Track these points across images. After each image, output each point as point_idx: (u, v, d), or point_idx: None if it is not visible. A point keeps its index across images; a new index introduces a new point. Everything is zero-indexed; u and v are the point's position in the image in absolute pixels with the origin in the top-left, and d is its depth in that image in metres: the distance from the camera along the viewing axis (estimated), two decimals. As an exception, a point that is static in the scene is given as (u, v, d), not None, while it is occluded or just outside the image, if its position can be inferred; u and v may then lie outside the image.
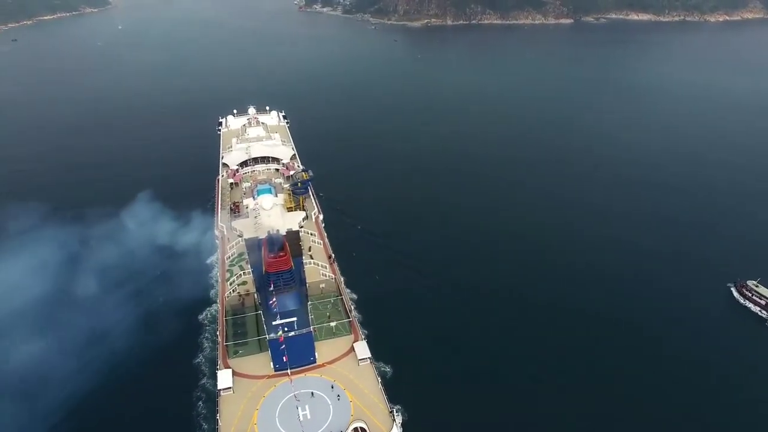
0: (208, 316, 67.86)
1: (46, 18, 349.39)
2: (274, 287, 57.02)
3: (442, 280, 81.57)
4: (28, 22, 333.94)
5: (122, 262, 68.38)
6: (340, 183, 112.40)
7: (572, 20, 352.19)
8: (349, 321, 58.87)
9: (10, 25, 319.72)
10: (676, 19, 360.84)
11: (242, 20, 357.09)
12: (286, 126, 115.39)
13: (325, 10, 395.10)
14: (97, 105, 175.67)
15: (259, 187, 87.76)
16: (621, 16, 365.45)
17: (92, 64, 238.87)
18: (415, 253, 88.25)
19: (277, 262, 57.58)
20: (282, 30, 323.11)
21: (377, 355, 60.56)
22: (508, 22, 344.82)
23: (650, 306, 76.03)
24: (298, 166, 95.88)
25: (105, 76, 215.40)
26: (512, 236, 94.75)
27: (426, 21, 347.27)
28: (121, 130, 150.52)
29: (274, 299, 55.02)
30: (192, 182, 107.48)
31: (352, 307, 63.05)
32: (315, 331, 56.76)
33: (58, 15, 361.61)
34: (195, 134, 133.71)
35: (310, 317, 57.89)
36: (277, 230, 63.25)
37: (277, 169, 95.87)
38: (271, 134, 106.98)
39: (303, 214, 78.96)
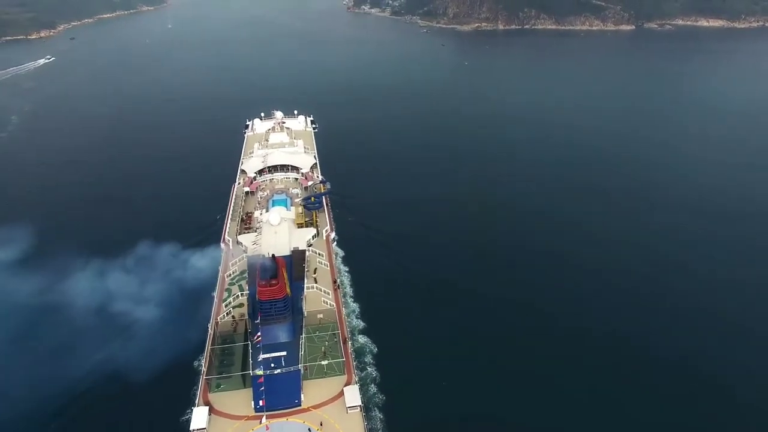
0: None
1: (105, 16, 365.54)
2: (262, 318, 52.16)
3: (487, 344, 66.81)
4: (90, 21, 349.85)
5: (108, 290, 62.41)
6: (367, 197, 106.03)
7: (633, 27, 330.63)
8: (344, 360, 53.05)
9: (72, 23, 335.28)
10: (755, 25, 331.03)
11: (290, 19, 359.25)
12: (312, 132, 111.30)
13: (373, 11, 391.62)
14: (132, 104, 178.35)
15: (275, 197, 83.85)
16: (689, 23, 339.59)
17: (137, 62, 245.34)
18: (454, 295, 75.69)
19: (270, 291, 52.74)
20: (328, 31, 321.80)
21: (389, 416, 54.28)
22: (563, 27, 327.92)
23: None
24: (318, 177, 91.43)
25: (146, 75, 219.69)
26: (590, 278, 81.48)
27: (476, 25, 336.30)
28: (149, 131, 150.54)
29: (259, 334, 50.05)
30: (212, 190, 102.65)
31: (350, 344, 57.04)
32: (306, 369, 51.61)
33: (117, 13, 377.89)
34: (225, 136, 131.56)
35: (301, 353, 52.63)
36: (272, 255, 58.16)
37: (296, 179, 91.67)
38: (295, 141, 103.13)
39: (313, 231, 73.85)
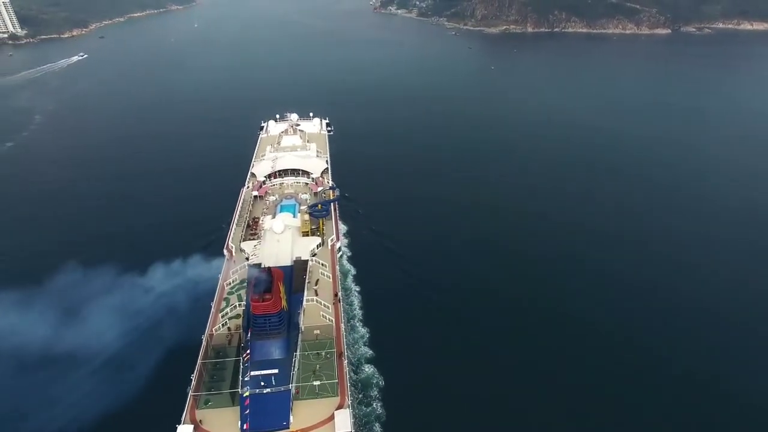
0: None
1: (136, 15, 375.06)
2: (255, 333, 49.83)
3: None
4: (120, 20, 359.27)
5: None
6: (383, 205, 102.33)
7: (669, 31, 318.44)
8: (338, 381, 50.16)
9: (104, 22, 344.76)
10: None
11: (316, 20, 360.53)
12: (327, 135, 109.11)
13: (399, 12, 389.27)
14: (151, 104, 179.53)
15: (284, 202, 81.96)
16: (731, 26, 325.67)
17: (160, 61, 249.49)
18: (474, 319, 69.43)
19: (263, 306, 50.30)
20: (353, 32, 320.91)
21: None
22: (594, 31, 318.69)
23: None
24: (328, 182, 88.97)
25: (167, 75, 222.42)
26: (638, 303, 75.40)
27: (504, 27, 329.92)
28: (166, 132, 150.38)
29: (248, 352, 47.73)
30: (224, 194, 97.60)
31: (347, 365, 53.97)
32: (297, 392, 48.97)
33: (147, 12, 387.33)
34: (241, 137, 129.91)
35: (293, 371, 50.07)
36: (267, 267, 55.63)
37: (306, 184, 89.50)
38: (308, 144, 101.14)
39: (318, 240, 71.17)
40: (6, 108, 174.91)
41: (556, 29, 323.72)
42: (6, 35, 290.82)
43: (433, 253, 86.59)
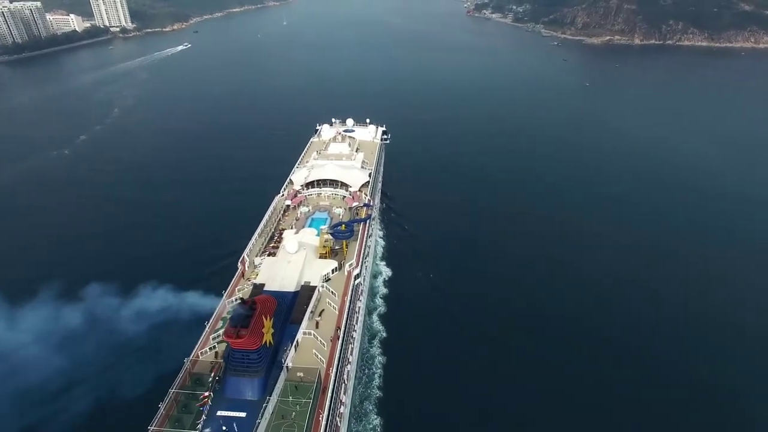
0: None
1: (234, 10, 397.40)
2: (228, 368, 44.52)
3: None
4: (219, 14, 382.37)
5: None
6: (434, 231, 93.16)
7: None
8: (309, 440, 42.96)
9: (204, 16, 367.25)
10: None
11: (405, 22, 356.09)
12: (379, 144, 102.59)
13: (494, 16, 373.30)
14: (224, 101, 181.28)
15: (316, 215, 76.39)
16: None
17: (243, 57, 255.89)
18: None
19: (238, 342, 44.69)
20: (441, 35, 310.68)
21: None
22: (717, 44, 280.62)
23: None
24: (366, 197, 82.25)
25: (247, 71, 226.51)
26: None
27: (608, 38, 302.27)
28: (230, 131, 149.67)
29: (206, 394, 42.26)
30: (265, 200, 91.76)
31: (327, 418, 46.56)
32: (264, 444, 42.65)
33: (245, 8, 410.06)
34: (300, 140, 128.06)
35: (260, 419, 43.88)
36: (251, 299, 49.57)
37: (344, 197, 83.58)
38: (356, 153, 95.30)
39: (334, 264, 64.30)
40: (96, 99, 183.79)
41: (669, 41, 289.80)
42: (118, 29, 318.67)
43: (483, 297, 73.08)
